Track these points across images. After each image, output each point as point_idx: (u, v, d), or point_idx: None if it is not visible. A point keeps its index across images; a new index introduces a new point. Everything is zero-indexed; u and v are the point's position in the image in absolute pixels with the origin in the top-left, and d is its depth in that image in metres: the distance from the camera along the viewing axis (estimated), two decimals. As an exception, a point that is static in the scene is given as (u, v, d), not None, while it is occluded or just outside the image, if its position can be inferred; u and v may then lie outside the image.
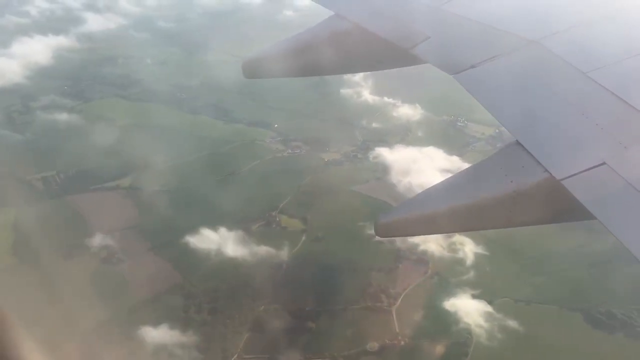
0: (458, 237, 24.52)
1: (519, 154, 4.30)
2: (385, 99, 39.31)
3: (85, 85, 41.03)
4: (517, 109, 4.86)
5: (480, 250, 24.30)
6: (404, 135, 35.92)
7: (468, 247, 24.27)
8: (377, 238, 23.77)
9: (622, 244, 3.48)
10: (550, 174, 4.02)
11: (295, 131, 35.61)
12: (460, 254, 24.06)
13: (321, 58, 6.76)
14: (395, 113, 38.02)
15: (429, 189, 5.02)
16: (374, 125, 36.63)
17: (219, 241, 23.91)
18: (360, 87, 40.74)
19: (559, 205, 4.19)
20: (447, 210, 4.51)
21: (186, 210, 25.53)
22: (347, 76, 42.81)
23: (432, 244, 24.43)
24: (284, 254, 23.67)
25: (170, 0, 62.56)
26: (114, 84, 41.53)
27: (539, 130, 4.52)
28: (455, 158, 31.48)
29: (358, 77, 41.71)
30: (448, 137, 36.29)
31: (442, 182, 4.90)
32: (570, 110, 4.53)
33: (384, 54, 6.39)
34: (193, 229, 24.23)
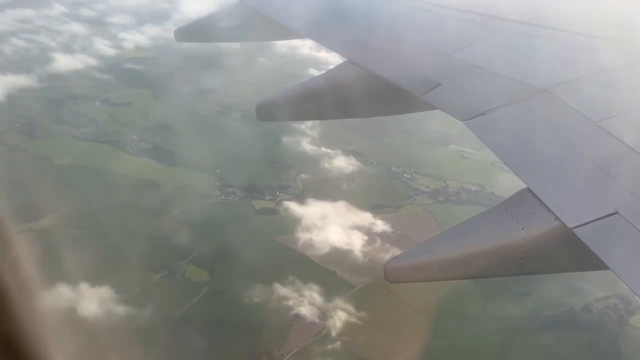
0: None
1: (530, 201, 4.30)
2: (323, 149, 39.25)
3: (39, 123, 41.44)
4: (527, 156, 4.92)
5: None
6: (330, 187, 35.46)
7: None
8: (281, 293, 23.44)
9: (635, 294, 3.49)
10: (562, 221, 3.97)
11: (235, 177, 35.49)
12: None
13: (333, 103, 7.02)
14: (327, 164, 37.80)
15: (440, 234, 5.19)
16: (303, 176, 36.28)
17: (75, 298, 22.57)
18: (305, 136, 40.84)
19: (570, 254, 4.15)
20: (457, 256, 4.48)
21: (84, 257, 25.06)
22: (295, 124, 43.16)
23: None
24: (170, 308, 22.82)
25: (148, 43, 64.09)
26: (69, 123, 41.91)
27: (549, 178, 4.56)
28: (367, 214, 30.90)
29: (305, 125, 41.98)
30: (384, 190, 35.98)
31: (453, 228, 4.94)
32: (581, 158, 4.58)
33: (396, 99, 6.62)
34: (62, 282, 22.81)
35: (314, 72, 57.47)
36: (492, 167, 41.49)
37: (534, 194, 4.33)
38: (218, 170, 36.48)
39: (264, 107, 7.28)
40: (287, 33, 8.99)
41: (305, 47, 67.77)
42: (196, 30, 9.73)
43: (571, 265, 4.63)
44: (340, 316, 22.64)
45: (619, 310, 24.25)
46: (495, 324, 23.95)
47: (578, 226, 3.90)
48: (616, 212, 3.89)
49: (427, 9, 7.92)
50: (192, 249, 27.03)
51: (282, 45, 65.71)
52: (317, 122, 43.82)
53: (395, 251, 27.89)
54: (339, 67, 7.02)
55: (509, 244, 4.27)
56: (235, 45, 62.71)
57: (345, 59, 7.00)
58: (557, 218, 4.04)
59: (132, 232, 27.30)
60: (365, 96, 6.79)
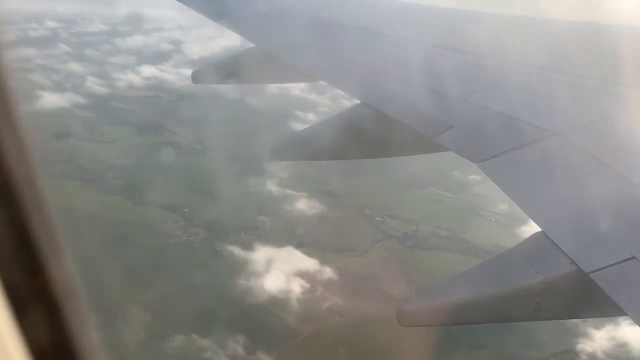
0: None
1: (545, 244, 4.22)
2: (287, 190, 38.90)
3: (17, 159, 41.76)
4: (541, 199, 4.85)
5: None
6: (288, 230, 34.78)
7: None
8: (200, 344, 22.08)
9: None
10: (578, 266, 3.90)
11: (202, 217, 35.16)
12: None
13: (345, 144, 7.19)
14: (288, 206, 37.33)
15: (454, 276, 5.15)
16: (261, 217, 35.75)
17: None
18: (275, 178, 40.63)
19: (586, 300, 4.07)
20: (470, 300, 4.41)
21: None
22: (257, 164, 43.19)
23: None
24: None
25: (141, 83, 65.41)
26: (46, 161, 42.18)
27: (565, 221, 4.48)
28: (314, 261, 30.11)
29: (275, 166, 41.88)
30: (352, 233, 35.31)
31: (468, 270, 4.98)
32: (597, 202, 4.50)
33: (408, 141, 6.71)
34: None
35: (300, 114, 58.02)
36: (468, 213, 40.80)
37: (548, 237, 4.23)
38: (186, 210, 36.21)
39: (278, 148, 7.63)
40: (301, 76, 9.29)
41: (296, 89, 68.91)
42: (212, 73, 10.21)
43: (587, 311, 4.56)
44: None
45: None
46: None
47: (595, 271, 3.81)
48: (633, 257, 3.79)
49: (440, 51, 8.15)
50: (139, 292, 26.43)
51: (274, 87, 66.85)
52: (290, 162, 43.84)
53: (336, 300, 27.06)
54: (351, 109, 7.23)
55: (524, 288, 4.21)
56: (228, 87, 63.98)
57: (358, 101, 7.17)
58: (573, 262, 3.96)
59: (79, 271, 26.81)
60: (378, 137, 6.92)
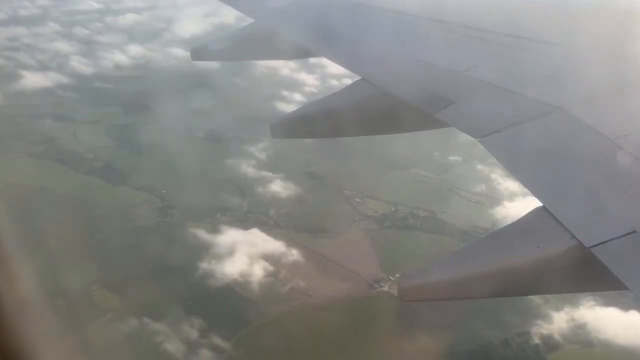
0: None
1: (546, 219, 4.21)
2: (263, 172, 38.77)
3: (-2, 140, 41.74)
4: (542, 174, 4.83)
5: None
6: (266, 212, 34.78)
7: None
8: (153, 328, 21.95)
9: None
10: (579, 240, 3.88)
11: (179, 199, 35.09)
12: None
13: (346, 121, 7.14)
14: (261, 188, 37.23)
15: (454, 251, 5.34)
16: (235, 199, 35.62)
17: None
18: (254, 159, 40.48)
19: (587, 274, 4.04)
20: (470, 275, 4.41)
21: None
22: (244, 146, 42.98)
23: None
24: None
25: (128, 63, 64.83)
26: (27, 141, 42.09)
27: (565, 196, 4.48)
28: (287, 243, 30.06)
29: (254, 148, 41.77)
30: (330, 214, 35.27)
31: (468, 245, 4.97)
32: (598, 177, 4.52)
33: (409, 117, 6.68)
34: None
35: (286, 94, 57.54)
36: (448, 193, 40.65)
37: (549, 212, 4.21)
38: (164, 191, 36.16)
39: (277, 126, 7.59)
40: (301, 52, 9.26)
41: (286, 68, 68.23)
42: (211, 49, 10.14)
43: (587, 285, 4.62)
44: (206, 355, 21.72)
45: (537, 346, 23.07)
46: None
47: (595, 245, 3.80)
48: (634, 231, 3.79)
49: (441, 27, 8.11)
50: (111, 273, 26.54)
51: (262, 66, 66.26)
52: (269, 143, 43.77)
53: (306, 282, 27.15)
54: (352, 86, 7.12)
55: (525, 263, 4.19)
56: (218, 66, 63.39)
57: (359, 77, 7.10)
58: (573, 237, 3.93)
59: (53, 251, 26.90)
60: (379, 114, 6.86)
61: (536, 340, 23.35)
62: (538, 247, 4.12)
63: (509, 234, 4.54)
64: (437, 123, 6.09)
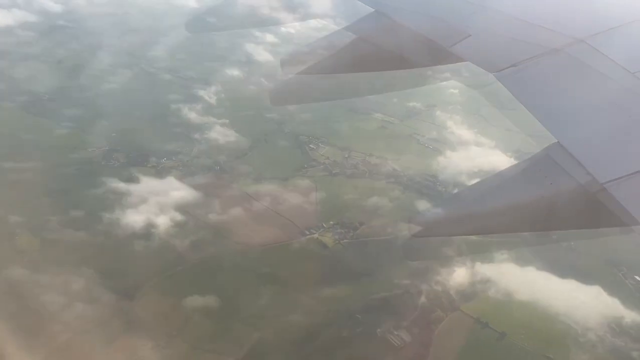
0: None
1: (561, 155, 4.19)
2: (212, 118, 38.07)
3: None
4: (559, 109, 4.71)
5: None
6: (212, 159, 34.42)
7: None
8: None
9: None
10: (593, 177, 3.88)
11: (127, 143, 34.75)
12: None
13: (359, 55, 6.82)
14: (214, 133, 36.60)
15: (467, 188, 5.23)
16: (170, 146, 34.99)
17: None
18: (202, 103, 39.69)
19: (600, 210, 4.01)
20: (483, 211, 4.46)
21: None
22: (195, 91, 42.04)
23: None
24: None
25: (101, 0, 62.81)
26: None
27: (581, 132, 4.40)
28: (225, 188, 29.80)
29: (203, 92, 40.93)
30: (280, 161, 34.91)
31: (480, 182, 4.99)
32: (616, 111, 4.42)
33: (423, 51, 6.37)
34: None
35: (259, 35, 55.54)
36: (407, 140, 39.88)
37: (564, 148, 4.16)
38: (114, 134, 35.79)
39: (288, 59, 7.31)
40: None
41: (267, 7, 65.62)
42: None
43: (600, 222, 4.51)
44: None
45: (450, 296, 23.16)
46: (320, 305, 23.13)
47: (609, 181, 3.78)
48: None
49: None
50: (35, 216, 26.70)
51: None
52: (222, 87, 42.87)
53: (239, 229, 27.16)
54: (365, 19, 6.82)
55: (537, 199, 4.20)
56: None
57: (372, 9, 6.83)
58: (588, 173, 3.91)
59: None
60: (392, 48, 6.59)
61: (451, 293, 23.35)
62: (551, 183, 4.11)
63: (523, 170, 4.54)
64: (451, 57, 5.80)
